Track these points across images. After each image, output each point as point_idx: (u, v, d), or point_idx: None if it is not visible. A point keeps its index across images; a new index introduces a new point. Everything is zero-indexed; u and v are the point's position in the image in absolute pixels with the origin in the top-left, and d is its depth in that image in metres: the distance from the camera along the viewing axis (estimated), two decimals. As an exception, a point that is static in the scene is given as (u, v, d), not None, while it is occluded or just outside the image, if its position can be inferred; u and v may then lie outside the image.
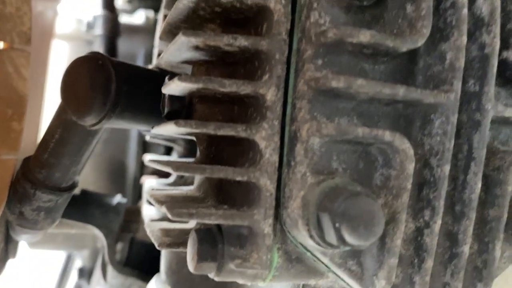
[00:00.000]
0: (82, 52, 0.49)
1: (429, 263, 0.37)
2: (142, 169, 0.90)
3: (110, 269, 0.71)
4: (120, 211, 0.72)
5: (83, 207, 0.69)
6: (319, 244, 0.34)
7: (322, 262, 0.38)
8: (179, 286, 0.58)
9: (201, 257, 0.36)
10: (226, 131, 0.36)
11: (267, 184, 0.35)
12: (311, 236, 0.34)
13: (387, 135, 0.35)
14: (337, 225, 0.32)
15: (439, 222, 0.37)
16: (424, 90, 0.36)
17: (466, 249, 0.39)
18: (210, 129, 0.36)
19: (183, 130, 0.36)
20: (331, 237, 0.33)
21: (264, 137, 0.36)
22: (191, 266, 0.37)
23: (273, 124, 0.36)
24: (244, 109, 0.39)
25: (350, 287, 0.39)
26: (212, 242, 0.37)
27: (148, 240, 0.73)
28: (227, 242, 0.37)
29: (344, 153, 0.36)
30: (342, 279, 0.38)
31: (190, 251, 0.37)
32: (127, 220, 0.72)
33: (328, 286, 0.42)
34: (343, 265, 0.37)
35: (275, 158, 0.36)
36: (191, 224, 0.45)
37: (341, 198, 0.32)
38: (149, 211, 0.64)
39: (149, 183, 0.66)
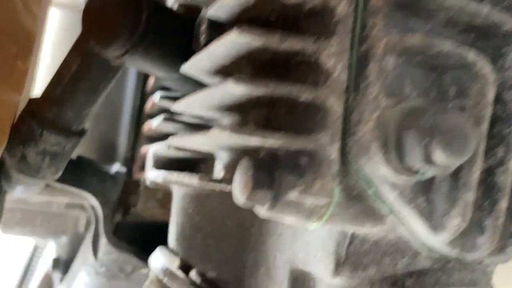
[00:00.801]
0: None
1: (503, 204, 0.34)
2: (134, 148, 0.84)
3: (103, 244, 0.64)
4: (118, 180, 0.66)
5: (80, 172, 0.63)
6: (395, 170, 0.31)
7: (385, 202, 0.34)
8: (191, 254, 0.53)
9: (257, 183, 0.32)
10: (292, 43, 0.32)
11: (335, 105, 0.32)
12: (387, 161, 0.31)
13: (471, 55, 0.32)
14: (425, 141, 0.29)
15: (514, 159, 0.34)
16: (505, 14, 0.33)
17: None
18: (275, 40, 0.32)
19: (245, 40, 0.32)
20: (414, 157, 0.30)
21: (334, 53, 0.32)
22: (242, 195, 0.32)
23: (344, 40, 0.32)
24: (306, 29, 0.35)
25: (411, 233, 0.36)
26: (268, 168, 0.32)
27: (147, 216, 0.67)
28: (285, 170, 0.32)
29: (417, 79, 0.33)
30: (405, 223, 0.35)
31: (241, 178, 0.33)
32: (125, 192, 0.66)
33: (380, 236, 0.38)
34: (413, 200, 0.33)
35: (344, 77, 0.32)
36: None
37: (429, 114, 0.29)
38: (154, 174, 0.58)
39: (153, 149, 0.60)
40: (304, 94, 0.31)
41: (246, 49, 0.34)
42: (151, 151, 0.61)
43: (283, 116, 0.34)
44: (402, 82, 0.33)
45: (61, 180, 0.63)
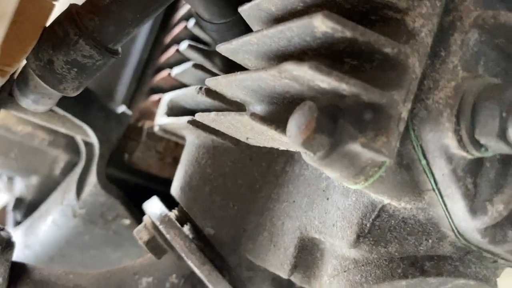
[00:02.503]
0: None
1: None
2: (132, 100, 0.80)
3: (91, 183, 0.61)
4: (123, 122, 0.62)
5: (86, 104, 0.59)
6: (462, 141, 0.31)
7: (433, 177, 0.34)
8: (194, 206, 0.50)
9: (319, 127, 0.31)
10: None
11: (415, 65, 0.31)
12: (456, 130, 0.31)
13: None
14: (504, 114, 0.29)
15: None
16: None
17: None
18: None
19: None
20: (487, 130, 0.29)
21: (424, 15, 0.32)
22: (301, 136, 0.31)
23: (435, 4, 0.32)
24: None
25: (447, 214, 0.36)
26: (332, 116, 0.32)
27: (142, 166, 0.65)
28: (349, 120, 0.32)
29: (491, 61, 0.33)
30: (445, 201, 0.35)
31: (301, 119, 0.32)
32: (126, 136, 0.63)
33: (411, 214, 0.38)
34: (462, 179, 0.33)
35: (429, 40, 0.32)
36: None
37: (510, 90, 0.29)
38: (163, 121, 0.56)
39: (169, 95, 0.58)
40: (389, 46, 0.31)
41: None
42: (167, 97, 0.58)
43: (357, 66, 0.33)
44: (478, 60, 0.33)
45: (65, 107, 0.59)
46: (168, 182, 0.56)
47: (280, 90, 0.37)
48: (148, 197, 0.57)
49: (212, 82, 0.43)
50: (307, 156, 0.33)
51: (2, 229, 0.52)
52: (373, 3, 0.33)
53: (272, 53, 0.39)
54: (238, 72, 0.38)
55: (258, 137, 0.43)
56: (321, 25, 0.31)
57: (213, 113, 0.43)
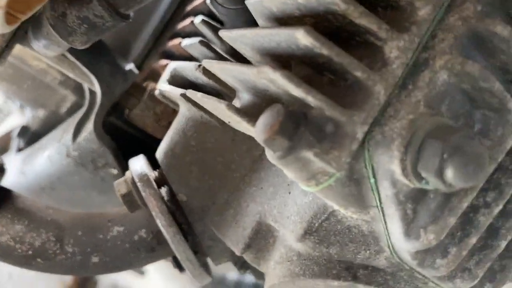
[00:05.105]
0: None
1: (472, 240, 0.38)
2: (145, 58, 0.83)
3: (88, 129, 0.65)
4: (129, 78, 0.66)
5: (96, 55, 0.63)
6: (405, 171, 0.34)
7: (378, 195, 0.37)
8: (172, 172, 0.54)
9: (281, 130, 0.34)
10: (370, 20, 0.34)
11: (381, 92, 0.34)
12: (402, 160, 0.33)
13: (511, 104, 0.34)
14: (445, 155, 0.31)
15: (500, 207, 0.37)
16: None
17: (502, 245, 0.39)
18: (356, 11, 0.34)
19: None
20: (428, 166, 0.32)
21: (400, 48, 0.34)
22: (263, 134, 0.34)
23: (413, 40, 0.34)
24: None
25: (385, 231, 0.39)
26: (296, 122, 0.35)
27: (138, 123, 0.68)
28: (309, 129, 0.35)
29: (454, 103, 0.36)
30: (385, 219, 0.38)
31: (269, 119, 0.35)
32: (129, 93, 0.67)
33: (355, 224, 0.41)
34: (402, 204, 0.36)
35: (400, 72, 0.34)
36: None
37: (459, 134, 0.32)
38: (163, 87, 0.59)
39: (175, 64, 0.61)
40: (359, 70, 0.33)
41: (323, 9, 0.36)
42: (172, 65, 0.61)
43: (334, 81, 0.36)
44: (442, 100, 0.35)
45: (75, 54, 0.63)
46: (159, 142, 0.60)
47: (261, 87, 0.40)
48: (141, 152, 0.61)
49: (207, 64, 0.46)
50: (268, 153, 0.37)
51: (-5, 156, 0.56)
52: (358, 27, 0.35)
53: (264, 50, 0.42)
54: (228, 62, 0.41)
55: (236, 124, 0.46)
56: (302, 38, 0.34)
57: (199, 94, 0.46)
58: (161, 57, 0.76)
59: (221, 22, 0.65)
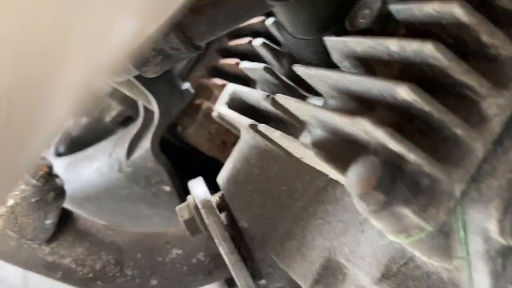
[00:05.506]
0: None
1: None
2: (189, 72, 0.83)
3: (144, 148, 0.65)
4: (185, 98, 0.66)
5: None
6: (502, 231, 0.33)
7: (467, 249, 0.37)
8: (234, 199, 0.54)
9: (379, 186, 0.34)
10: (469, 75, 0.33)
11: (479, 150, 0.33)
12: (500, 221, 0.33)
13: None
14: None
15: None
16: None
17: None
18: (456, 66, 0.33)
19: (426, 53, 0.33)
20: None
21: (500, 106, 0.34)
22: (359, 188, 0.34)
23: (513, 97, 0.34)
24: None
25: (470, 282, 0.38)
26: (392, 176, 0.34)
27: (192, 141, 0.68)
28: (406, 184, 0.34)
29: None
30: (472, 272, 0.37)
31: (364, 173, 0.34)
32: (183, 112, 0.67)
33: (435, 270, 0.41)
34: (493, 259, 0.35)
35: (498, 129, 0.34)
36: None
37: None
38: (223, 111, 0.59)
39: (234, 87, 0.61)
40: (460, 128, 0.33)
41: (419, 60, 0.35)
42: (231, 88, 0.61)
43: (425, 131, 0.35)
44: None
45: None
46: (212, 160, 0.60)
47: (346, 132, 0.39)
48: (190, 168, 0.61)
49: (282, 101, 0.46)
50: (359, 205, 0.36)
51: (57, 177, 0.56)
52: (455, 80, 0.35)
53: (346, 90, 0.41)
54: (311, 104, 0.41)
55: (311, 161, 0.45)
56: (404, 94, 0.33)
57: (278, 133, 0.45)
58: (210, 72, 0.76)
59: (278, 43, 0.65)
